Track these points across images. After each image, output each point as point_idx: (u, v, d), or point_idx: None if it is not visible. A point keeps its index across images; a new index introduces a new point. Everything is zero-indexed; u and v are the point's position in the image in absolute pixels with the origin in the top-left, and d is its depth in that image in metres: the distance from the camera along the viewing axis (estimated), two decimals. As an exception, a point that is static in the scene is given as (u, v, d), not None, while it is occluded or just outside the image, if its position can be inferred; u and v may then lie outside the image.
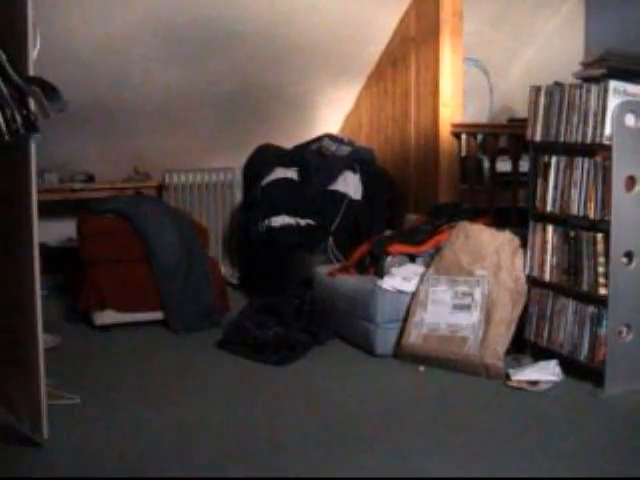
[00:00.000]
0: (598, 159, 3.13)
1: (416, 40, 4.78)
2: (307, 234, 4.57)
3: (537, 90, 3.37)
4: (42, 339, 2.57)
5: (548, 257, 3.37)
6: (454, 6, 4.54)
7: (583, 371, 3.22)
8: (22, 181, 2.53)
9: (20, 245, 2.58)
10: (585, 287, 3.19)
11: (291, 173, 4.83)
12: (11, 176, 2.60)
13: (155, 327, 4.08)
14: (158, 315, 4.13)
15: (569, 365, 3.26)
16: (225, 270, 5.10)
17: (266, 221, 4.63)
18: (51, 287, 4.52)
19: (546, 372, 3.22)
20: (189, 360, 3.64)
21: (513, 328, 3.42)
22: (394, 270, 3.77)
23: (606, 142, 3.06)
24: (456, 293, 3.53)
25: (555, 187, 3.31)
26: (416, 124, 4.83)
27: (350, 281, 3.91)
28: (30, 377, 2.58)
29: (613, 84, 3.06)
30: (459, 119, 4.64)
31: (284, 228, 4.59)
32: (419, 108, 4.79)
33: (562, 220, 3.34)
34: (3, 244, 2.71)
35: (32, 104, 2.43)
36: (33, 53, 2.47)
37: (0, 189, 2.68)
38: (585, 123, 3.13)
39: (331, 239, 4.55)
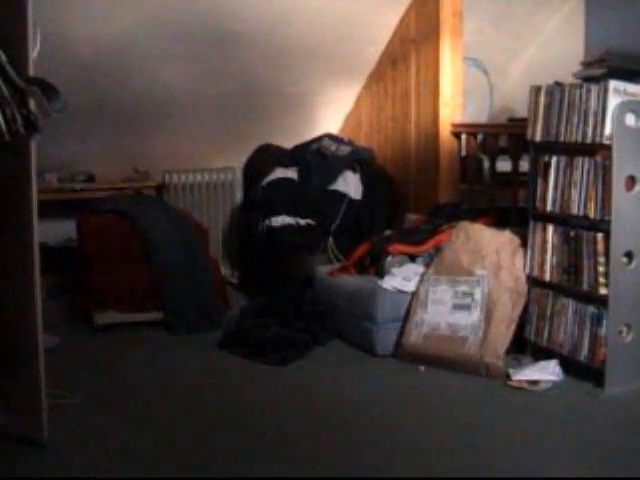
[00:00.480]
0: (598, 159, 3.13)
1: (416, 40, 4.77)
2: (307, 234, 4.57)
3: (537, 90, 3.37)
4: (42, 339, 2.57)
5: (548, 257, 3.37)
6: (454, 6, 4.53)
7: (583, 371, 3.22)
8: (22, 181, 2.53)
9: (20, 245, 2.58)
10: (585, 287, 3.19)
11: (291, 173, 4.83)
12: (11, 176, 2.60)
13: (155, 327, 4.08)
14: (158, 315, 4.13)
15: (569, 365, 3.26)
16: (225, 270, 5.10)
17: (266, 221, 4.63)
18: (51, 287, 4.52)
19: (546, 372, 3.22)
20: (189, 360, 3.64)
21: (513, 328, 3.42)
22: (394, 270, 3.77)
23: (606, 142, 3.05)
24: (456, 293, 3.53)
25: (555, 187, 3.30)
26: (416, 124, 4.83)
27: (350, 281, 3.91)
28: (30, 377, 2.58)
29: (613, 84, 3.06)
30: (459, 119, 4.64)
31: (284, 228, 4.59)
32: (419, 108, 4.79)
33: (562, 220, 3.34)
34: (3, 244, 2.71)
35: (32, 104, 2.43)
36: (33, 53, 2.47)
37: (0, 189, 2.68)
38: (585, 123, 3.13)
39: (331, 239, 4.55)
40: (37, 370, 2.56)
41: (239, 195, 5.41)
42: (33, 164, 2.51)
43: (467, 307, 3.47)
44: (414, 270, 3.75)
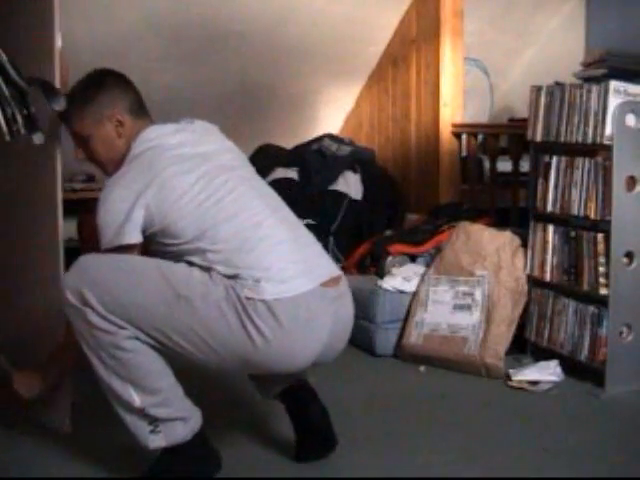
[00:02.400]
0: (599, 159, 3.13)
1: (416, 40, 4.78)
2: (307, 234, 4.57)
3: (538, 90, 3.37)
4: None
5: (549, 257, 3.37)
6: (455, 6, 4.54)
7: (583, 371, 3.22)
8: (48, 181, 2.60)
9: (47, 245, 2.64)
10: (586, 287, 3.19)
11: (291, 173, 4.83)
12: (38, 176, 2.65)
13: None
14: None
15: (569, 365, 3.26)
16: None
17: (266, 221, 4.63)
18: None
19: (546, 372, 3.22)
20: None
21: (514, 328, 3.42)
22: (395, 270, 3.77)
23: (606, 142, 3.05)
24: (457, 293, 3.53)
25: (555, 187, 3.31)
26: (417, 124, 4.83)
27: (350, 281, 3.89)
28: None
29: (614, 84, 3.06)
30: (459, 119, 4.64)
31: (284, 228, 4.59)
32: (419, 108, 4.80)
33: (563, 220, 3.34)
34: (30, 244, 2.76)
35: (32, 104, 2.44)
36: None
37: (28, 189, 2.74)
38: (585, 123, 3.13)
39: (331, 239, 4.54)
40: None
41: (239, 195, 5.41)
42: (58, 163, 2.57)
43: (468, 307, 3.47)
44: (414, 270, 3.75)
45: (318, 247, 2.42)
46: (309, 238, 2.40)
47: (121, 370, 2.18)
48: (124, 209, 2.22)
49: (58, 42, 2.53)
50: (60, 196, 2.59)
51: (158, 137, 2.38)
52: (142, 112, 2.46)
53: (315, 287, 2.22)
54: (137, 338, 2.16)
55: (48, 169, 2.59)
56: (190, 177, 2.26)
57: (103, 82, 2.41)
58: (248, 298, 2.11)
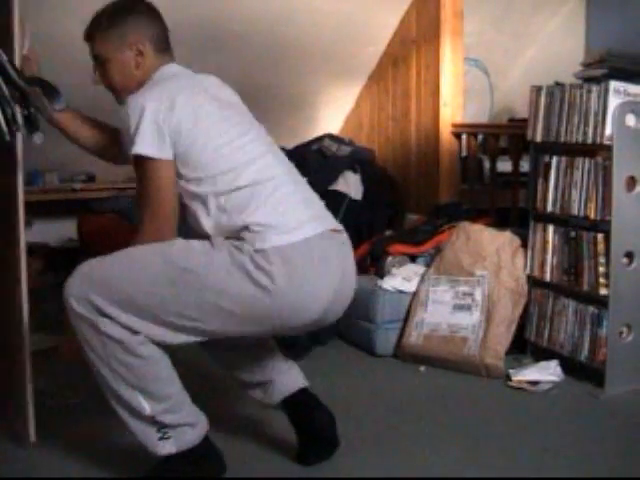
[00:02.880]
0: (599, 159, 3.14)
1: (416, 40, 4.78)
2: (307, 234, 4.57)
3: (538, 90, 3.37)
4: (30, 340, 2.56)
5: (549, 257, 3.37)
6: (455, 6, 4.54)
7: (583, 371, 3.22)
8: (8, 179, 2.54)
9: (6, 244, 2.60)
10: (585, 287, 3.19)
11: (291, 173, 4.82)
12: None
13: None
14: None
15: (569, 365, 3.26)
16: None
17: (266, 221, 4.63)
18: (52, 286, 4.51)
19: (546, 372, 3.22)
20: (188, 359, 3.63)
21: (513, 328, 3.43)
22: (394, 270, 3.77)
23: (607, 142, 3.06)
24: (457, 293, 3.53)
25: (555, 187, 3.31)
26: (417, 124, 4.83)
27: (350, 281, 3.90)
28: (19, 378, 2.59)
29: (614, 84, 3.06)
30: (459, 119, 4.64)
31: (284, 228, 4.58)
32: (420, 108, 4.79)
33: (563, 220, 3.34)
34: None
35: (33, 104, 2.44)
36: (23, 51, 2.47)
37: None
38: (586, 123, 3.13)
39: (331, 239, 4.54)
40: (24, 371, 2.57)
41: (239, 195, 5.41)
42: (20, 161, 2.50)
43: (467, 307, 3.47)
44: (414, 270, 3.75)
45: (322, 204, 2.42)
46: (316, 197, 2.41)
47: (130, 377, 2.16)
48: (151, 119, 2.16)
49: (17, 31, 2.45)
50: (21, 194, 2.49)
51: (183, 72, 2.37)
52: (165, 49, 2.42)
53: (326, 230, 2.25)
54: (148, 342, 2.15)
55: (7, 164, 2.52)
56: (218, 115, 2.29)
57: (133, 9, 2.38)
58: (259, 250, 2.10)
